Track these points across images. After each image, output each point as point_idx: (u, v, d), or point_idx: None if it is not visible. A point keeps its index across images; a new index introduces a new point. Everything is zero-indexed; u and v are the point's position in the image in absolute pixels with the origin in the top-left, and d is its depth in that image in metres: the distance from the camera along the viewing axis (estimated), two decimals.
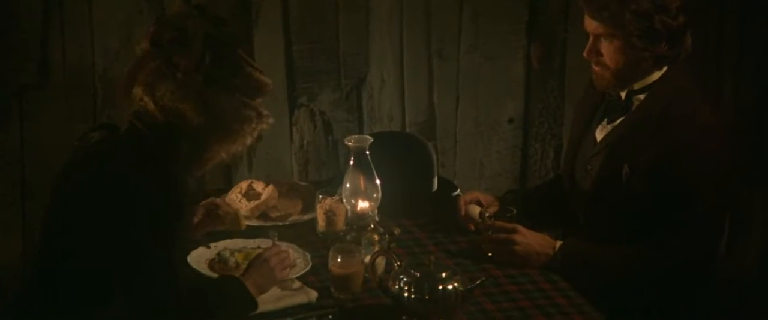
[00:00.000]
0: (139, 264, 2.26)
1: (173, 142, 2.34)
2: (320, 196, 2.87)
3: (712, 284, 2.77)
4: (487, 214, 2.85)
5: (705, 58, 3.83)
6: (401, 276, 2.45)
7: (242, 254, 2.69)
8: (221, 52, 2.34)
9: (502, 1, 3.78)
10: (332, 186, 2.93)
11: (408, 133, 3.68)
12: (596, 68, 2.76)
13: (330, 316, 2.47)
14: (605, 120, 2.84)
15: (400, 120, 3.80)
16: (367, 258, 2.57)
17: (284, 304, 2.49)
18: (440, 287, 2.42)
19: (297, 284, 2.58)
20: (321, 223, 2.87)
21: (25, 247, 3.51)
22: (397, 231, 2.77)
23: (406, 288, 2.43)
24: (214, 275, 2.60)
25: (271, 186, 3.02)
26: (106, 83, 3.45)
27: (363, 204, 2.72)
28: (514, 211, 2.82)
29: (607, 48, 2.70)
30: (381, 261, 2.59)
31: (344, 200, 2.74)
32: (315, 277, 2.64)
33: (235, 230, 2.86)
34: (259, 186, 3.04)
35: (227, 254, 2.68)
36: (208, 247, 2.74)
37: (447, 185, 3.21)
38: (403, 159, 3.09)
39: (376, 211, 2.73)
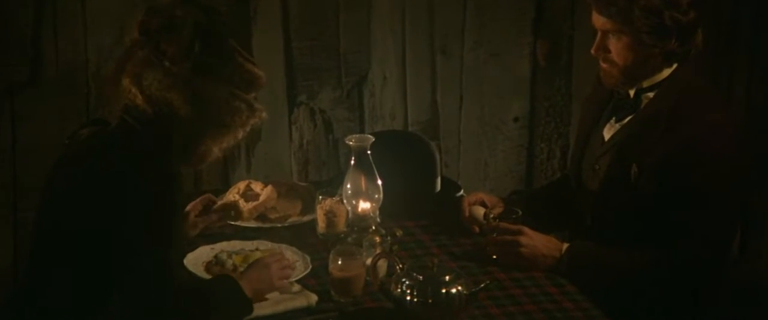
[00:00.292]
0: (132, 262, 2.26)
1: (164, 137, 2.34)
2: (320, 197, 2.87)
3: (724, 287, 2.77)
4: (491, 215, 2.85)
5: (716, 56, 3.82)
6: (403, 279, 2.45)
7: (240, 256, 2.69)
8: (211, 41, 2.34)
9: None
10: (333, 186, 2.93)
11: (410, 132, 3.69)
12: (604, 65, 2.76)
13: None
14: (613, 118, 2.84)
15: (403, 119, 3.80)
16: (369, 261, 2.57)
17: (283, 308, 2.49)
18: (443, 290, 2.42)
19: (296, 287, 2.58)
20: (321, 225, 2.87)
21: (17, 248, 3.51)
22: (399, 233, 2.77)
23: (408, 291, 2.43)
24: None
25: (269, 187, 3.02)
26: (99, 81, 3.45)
27: (364, 205, 2.72)
28: (520, 212, 2.82)
29: (615, 45, 2.70)
30: (383, 264, 2.59)
31: (345, 201, 2.74)
32: (315, 280, 2.64)
33: (236, 223, 2.86)
34: (257, 186, 3.04)
35: (225, 256, 2.69)
36: (212, 248, 2.75)
37: (450, 186, 3.21)
38: (405, 159, 3.09)
39: (377, 212, 2.73)
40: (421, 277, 2.43)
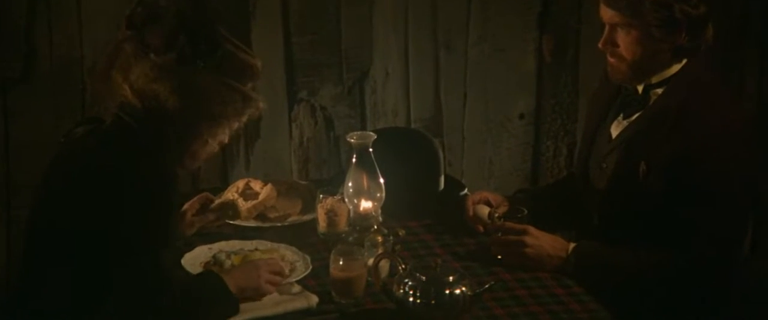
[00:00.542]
0: (126, 260, 2.26)
1: (159, 133, 2.34)
2: (321, 196, 2.87)
3: (735, 287, 2.76)
4: (496, 215, 2.85)
5: (726, 50, 3.82)
6: (406, 280, 2.45)
7: (239, 256, 2.68)
8: (196, 30, 2.34)
9: None
10: (334, 185, 2.93)
11: (413, 130, 3.68)
12: (612, 60, 2.76)
13: None
14: (621, 115, 2.83)
15: (405, 115, 3.80)
16: (371, 261, 2.56)
17: (283, 309, 2.49)
18: (447, 291, 2.42)
19: (297, 288, 2.58)
20: (322, 224, 2.87)
21: (11, 246, 3.51)
22: (401, 232, 2.77)
23: (411, 292, 2.43)
24: None
25: (269, 186, 3.02)
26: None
27: (366, 204, 2.71)
28: (525, 212, 2.82)
29: (623, 39, 2.70)
30: (385, 264, 2.59)
31: (346, 200, 2.74)
32: (315, 281, 2.64)
33: (235, 222, 2.86)
34: (256, 185, 3.04)
35: (223, 256, 2.68)
36: (210, 248, 2.75)
37: (454, 184, 3.21)
38: (408, 156, 3.09)
39: (379, 212, 2.73)
40: (424, 278, 2.43)
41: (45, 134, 3.34)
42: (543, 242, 2.74)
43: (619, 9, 2.67)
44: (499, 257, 2.76)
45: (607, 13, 2.71)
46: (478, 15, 3.77)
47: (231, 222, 2.90)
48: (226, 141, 2.47)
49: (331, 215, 2.85)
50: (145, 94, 2.31)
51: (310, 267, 2.68)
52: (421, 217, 3.02)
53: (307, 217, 2.98)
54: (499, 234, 2.79)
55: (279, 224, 2.95)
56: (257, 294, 2.50)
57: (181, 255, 2.68)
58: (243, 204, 2.96)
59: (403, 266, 2.49)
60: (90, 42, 3.46)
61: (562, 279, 2.68)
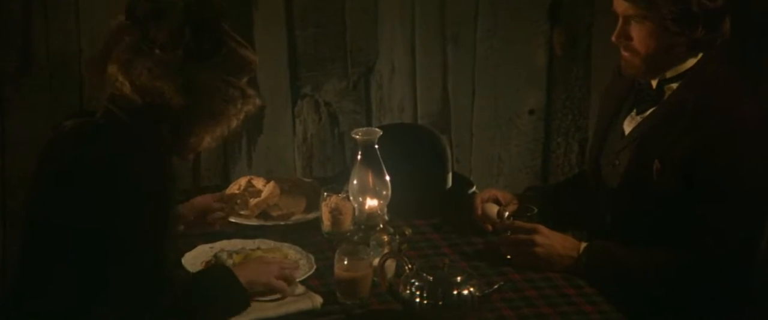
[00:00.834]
0: (123, 258, 2.26)
1: (153, 127, 2.34)
2: (325, 194, 2.86)
3: (751, 290, 2.76)
4: (505, 213, 2.85)
5: (744, 44, 3.81)
6: (413, 280, 2.44)
7: (241, 255, 2.69)
8: (202, 26, 2.34)
9: None
10: (338, 183, 2.92)
11: (420, 126, 3.68)
12: (625, 54, 2.75)
13: None
14: (634, 111, 2.83)
15: (412, 111, 3.80)
16: (376, 261, 2.56)
17: (286, 310, 2.49)
18: (455, 292, 2.42)
19: (300, 288, 2.58)
20: (326, 223, 2.87)
21: (6, 242, 3.52)
22: (408, 231, 2.77)
23: (417, 292, 2.43)
24: None
25: (272, 183, 3.02)
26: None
27: (371, 203, 2.72)
28: (535, 210, 2.82)
29: (637, 32, 2.69)
30: (391, 264, 2.59)
31: (351, 198, 2.74)
32: (319, 281, 2.64)
33: (237, 220, 2.87)
34: (259, 182, 3.04)
35: (224, 256, 2.68)
36: (211, 247, 2.75)
37: (462, 182, 3.21)
38: (414, 153, 3.09)
39: (385, 210, 2.73)
40: (431, 278, 2.43)
41: (42, 129, 3.33)
42: (554, 241, 2.74)
43: (634, 1, 2.66)
44: (509, 257, 2.76)
45: (621, 6, 2.70)
46: (487, 7, 3.77)
47: (233, 220, 2.90)
48: (224, 137, 2.47)
49: (335, 214, 2.84)
50: (148, 90, 2.31)
51: (314, 267, 2.68)
52: (428, 216, 3.02)
53: (310, 216, 2.98)
54: (509, 234, 2.79)
55: (282, 223, 2.95)
56: (266, 290, 2.50)
57: (182, 254, 2.69)
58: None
59: (410, 266, 2.49)
60: (88, 35, 3.46)
61: (574, 279, 2.68)
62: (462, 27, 3.77)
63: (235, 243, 2.79)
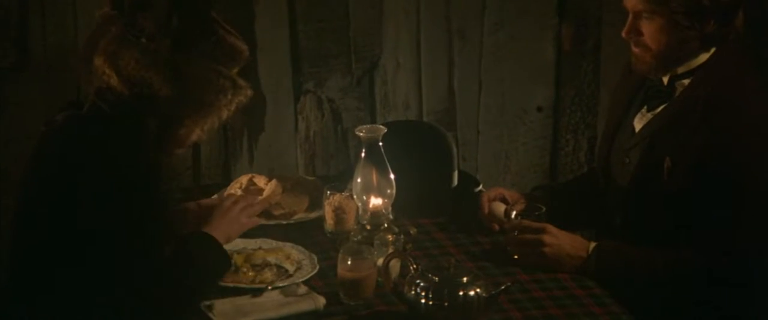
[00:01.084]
0: (113, 253, 2.27)
1: (141, 119, 2.34)
2: (328, 192, 2.87)
3: (764, 291, 2.76)
4: (513, 213, 2.85)
5: (758, 39, 3.80)
6: (418, 281, 2.45)
7: (242, 255, 2.69)
8: (190, 14, 2.33)
9: None
10: (341, 181, 2.93)
11: (425, 123, 3.68)
12: (636, 50, 2.75)
13: None
14: (645, 107, 2.83)
15: (417, 108, 3.80)
16: (380, 261, 2.57)
17: (288, 311, 2.50)
18: (461, 292, 2.42)
19: (303, 289, 2.58)
20: (329, 222, 2.87)
21: (3, 243, 3.51)
22: (413, 231, 2.77)
23: (423, 293, 2.43)
24: None
25: (274, 182, 3.02)
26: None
27: (376, 201, 2.72)
28: (543, 209, 2.82)
29: (648, 27, 2.69)
30: (395, 264, 2.59)
31: (355, 196, 2.75)
32: (322, 281, 2.64)
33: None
34: (260, 181, 3.05)
35: None
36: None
37: (468, 180, 3.21)
38: (419, 151, 3.09)
39: (390, 209, 2.74)
40: (436, 278, 2.43)
41: (39, 124, 3.33)
42: (562, 241, 2.74)
43: None
44: (516, 257, 2.76)
45: (630, 1, 2.70)
46: (494, 1, 3.76)
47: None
48: (215, 129, 2.47)
49: (339, 212, 2.85)
50: (136, 81, 2.31)
51: (317, 266, 2.68)
52: (433, 215, 3.03)
53: (313, 215, 2.98)
54: (516, 233, 2.79)
55: (284, 222, 2.96)
56: (242, 231, 2.58)
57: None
58: None
59: (415, 266, 2.49)
60: (85, 31, 3.44)
61: (583, 280, 2.68)
62: (468, 22, 3.77)
63: (237, 243, 2.78)
